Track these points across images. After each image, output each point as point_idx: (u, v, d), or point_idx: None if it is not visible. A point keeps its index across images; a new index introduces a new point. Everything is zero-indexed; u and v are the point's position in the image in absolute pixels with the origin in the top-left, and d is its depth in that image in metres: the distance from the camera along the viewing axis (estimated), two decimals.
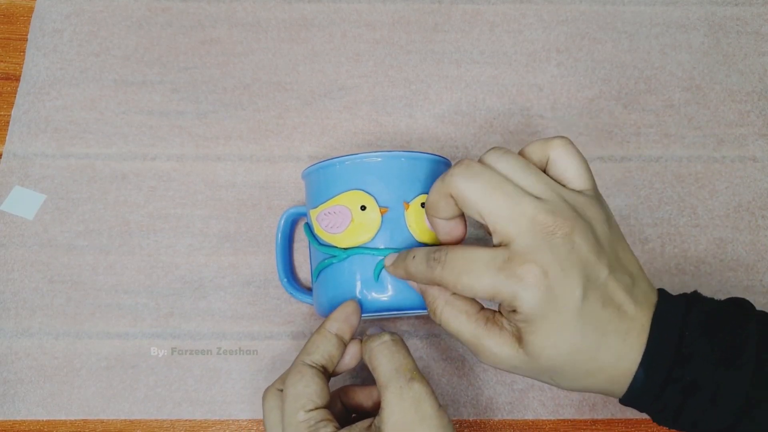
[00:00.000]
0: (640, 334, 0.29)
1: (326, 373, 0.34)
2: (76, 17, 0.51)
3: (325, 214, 0.37)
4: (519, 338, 0.29)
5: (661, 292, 0.31)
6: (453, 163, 0.39)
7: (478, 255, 0.29)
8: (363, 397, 0.37)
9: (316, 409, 0.32)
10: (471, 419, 0.42)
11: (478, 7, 0.52)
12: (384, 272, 0.35)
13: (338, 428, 0.31)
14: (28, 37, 0.51)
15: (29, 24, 0.51)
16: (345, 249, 0.36)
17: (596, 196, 0.31)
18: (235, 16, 0.51)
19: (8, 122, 0.48)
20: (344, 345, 0.35)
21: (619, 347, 0.29)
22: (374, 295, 0.36)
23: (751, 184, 0.47)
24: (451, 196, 0.31)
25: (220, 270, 0.45)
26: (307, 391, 0.32)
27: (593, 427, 0.42)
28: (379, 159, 0.37)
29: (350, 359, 0.35)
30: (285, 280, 0.43)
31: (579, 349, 0.28)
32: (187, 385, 0.42)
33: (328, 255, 0.37)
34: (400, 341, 0.34)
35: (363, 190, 0.36)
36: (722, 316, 0.30)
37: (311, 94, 0.49)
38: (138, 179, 0.47)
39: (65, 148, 0.48)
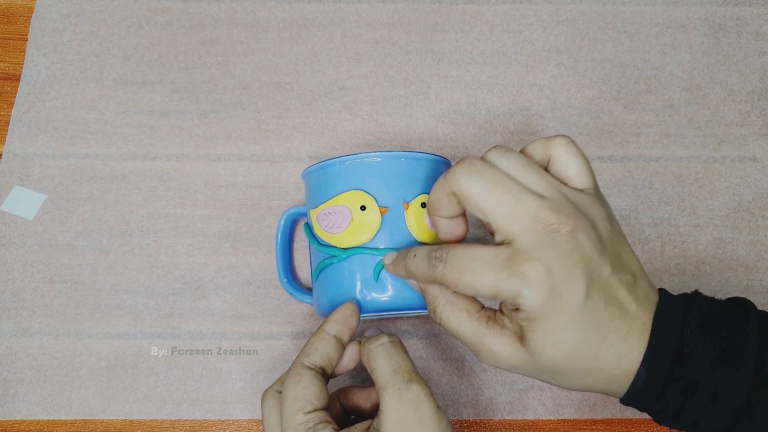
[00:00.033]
0: (642, 334, 0.29)
1: (325, 375, 0.34)
2: (76, 17, 0.51)
3: (325, 214, 0.37)
4: (521, 337, 0.29)
5: (662, 292, 0.31)
6: (453, 163, 0.39)
7: (481, 253, 0.29)
8: (362, 398, 0.36)
9: (315, 411, 0.32)
10: (471, 419, 0.42)
11: (478, 7, 0.52)
12: (384, 272, 0.35)
13: (337, 430, 0.31)
14: (28, 37, 0.51)
15: (29, 24, 0.51)
16: (345, 249, 0.36)
17: (598, 195, 0.31)
18: (235, 16, 0.51)
19: (8, 122, 0.48)
20: (343, 346, 0.35)
21: (621, 346, 0.29)
22: (374, 295, 0.36)
23: (751, 184, 0.47)
24: (454, 194, 0.30)
25: (220, 270, 0.45)
26: (306, 393, 0.32)
27: (593, 427, 0.42)
28: (379, 159, 0.37)
29: (349, 361, 0.35)
30: (285, 280, 0.43)
31: (581, 348, 0.28)
32: (187, 385, 0.42)
33: (328, 255, 0.37)
34: (398, 343, 0.34)
35: (363, 190, 0.36)
36: (723, 316, 0.30)
37: (311, 94, 0.49)
38: (138, 179, 0.47)
39: (65, 148, 0.48)
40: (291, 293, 0.42)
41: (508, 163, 0.30)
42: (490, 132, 0.48)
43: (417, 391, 0.31)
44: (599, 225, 0.29)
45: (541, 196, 0.29)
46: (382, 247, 0.36)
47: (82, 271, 0.45)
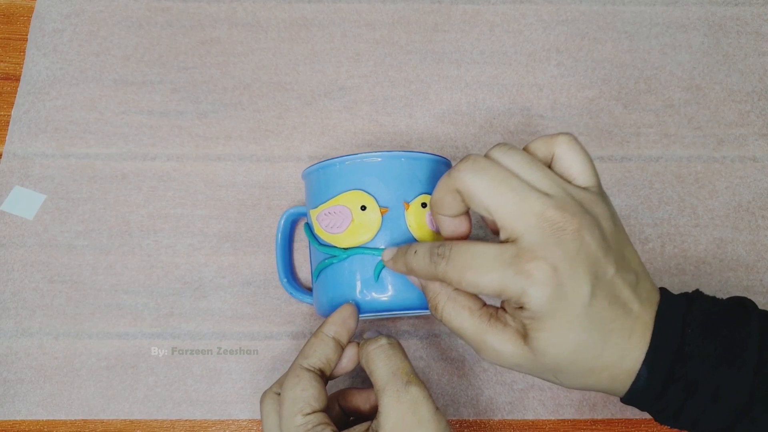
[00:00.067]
0: (644, 333, 0.29)
1: (324, 377, 0.34)
2: (76, 17, 0.51)
3: (325, 214, 0.37)
4: (524, 335, 0.29)
5: (663, 291, 0.31)
6: (453, 163, 0.39)
7: (485, 250, 0.29)
8: (361, 400, 0.36)
9: (314, 412, 0.32)
10: (471, 419, 0.42)
11: (478, 7, 0.52)
12: (384, 272, 0.35)
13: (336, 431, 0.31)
14: (28, 37, 0.51)
15: (29, 24, 0.51)
16: (345, 249, 0.36)
17: (601, 193, 0.31)
18: (235, 16, 0.51)
19: (8, 122, 0.48)
20: (342, 348, 0.35)
21: (623, 346, 0.28)
22: (374, 295, 0.36)
23: (751, 184, 0.47)
24: (458, 192, 0.30)
25: (220, 270, 0.45)
26: (305, 394, 0.32)
27: (593, 427, 0.42)
28: (379, 159, 0.37)
29: (347, 362, 0.35)
30: (285, 280, 0.43)
31: (584, 347, 0.28)
32: (187, 385, 0.42)
33: (328, 255, 0.37)
34: (396, 344, 0.34)
35: (363, 190, 0.36)
36: (724, 315, 0.30)
37: (311, 94, 0.49)
38: (138, 179, 0.47)
39: (65, 148, 0.48)
40: (291, 293, 0.42)
41: (512, 161, 0.30)
42: (490, 132, 0.48)
43: (415, 392, 0.31)
44: (603, 223, 0.29)
45: (546, 194, 0.29)
46: (383, 247, 0.36)
47: (82, 271, 0.45)
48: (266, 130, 0.48)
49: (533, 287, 0.27)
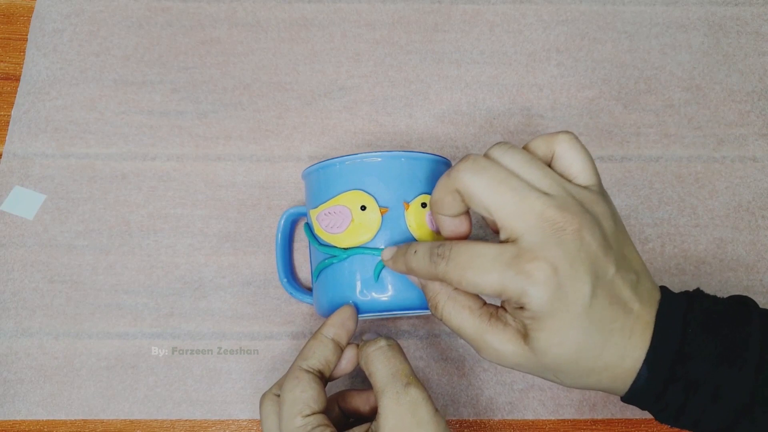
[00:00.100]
0: (645, 332, 0.29)
1: (323, 378, 0.34)
2: (76, 17, 0.51)
3: (325, 214, 0.37)
4: (524, 335, 0.29)
5: (664, 290, 0.31)
6: (453, 163, 0.39)
7: (485, 250, 0.29)
8: (360, 401, 0.36)
9: (313, 414, 0.32)
10: (471, 419, 0.42)
11: (478, 7, 0.52)
12: (384, 272, 0.35)
13: None
14: (28, 37, 0.51)
15: (29, 24, 0.51)
16: (345, 249, 0.36)
17: (601, 192, 0.31)
18: (235, 16, 0.51)
19: (8, 122, 0.48)
20: (341, 350, 0.35)
21: (624, 345, 0.28)
22: (374, 295, 0.36)
23: (751, 184, 0.47)
24: (458, 192, 0.30)
25: (220, 270, 0.45)
26: (304, 396, 0.32)
27: (593, 427, 0.42)
28: (379, 159, 0.37)
29: (347, 364, 0.35)
30: (285, 280, 0.43)
31: (585, 347, 0.28)
32: (187, 385, 0.42)
33: (328, 255, 0.37)
34: (396, 346, 0.34)
35: (363, 190, 0.36)
36: (725, 314, 0.30)
37: (311, 94, 0.49)
38: (138, 179, 0.47)
39: (65, 148, 0.48)
40: (291, 293, 0.42)
41: (512, 160, 0.30)
42: (490, 132, 0.48)
43: (415, 394, 0.31)
44: (604, 223, 0.29)
45: (546, 194, 0.29)
46: (383, 247, 0.36)
47: (82, 271, 0.45)
48: (266, 130, 0.48)
49: (533, 287, 0.27)
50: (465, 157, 0.30)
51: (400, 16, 0.52)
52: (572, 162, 0.31)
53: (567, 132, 0.31)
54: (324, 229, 0.37)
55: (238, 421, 0.42)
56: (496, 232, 0.31)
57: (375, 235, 0.36)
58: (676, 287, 0.44)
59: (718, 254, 0.45)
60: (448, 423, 0.42)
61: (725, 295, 0.32)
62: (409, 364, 0.33)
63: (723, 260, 0.45)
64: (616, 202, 0.46)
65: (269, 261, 0.45)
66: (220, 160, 0.47)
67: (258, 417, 0.42)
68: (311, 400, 0.32)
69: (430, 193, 0.37)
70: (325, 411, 0.33)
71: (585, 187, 0.30)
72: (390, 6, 0.52)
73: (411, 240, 0.36)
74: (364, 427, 0.32)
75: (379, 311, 0.36)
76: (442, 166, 0.38)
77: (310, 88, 0.50)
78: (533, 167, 0.30)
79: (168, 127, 0.48)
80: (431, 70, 0.50)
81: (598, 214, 0.29)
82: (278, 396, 0.33)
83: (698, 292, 0.31)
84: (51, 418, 0.42)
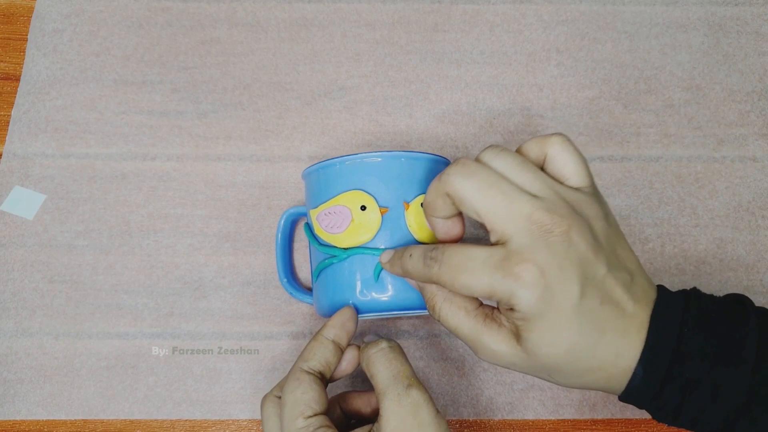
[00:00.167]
0: (639, 332, 0.29)
1: (324, 380, 0.34)
2: (76, 17, 0.51)
3: (325, 214, 0.37)
4: (517, 335, 0.29)
5: (661, 289, 0.31)
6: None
7: (475, 253, 0.29)
8: (362, 403, 0.37)
9: (315, 415, 0.32)
10: (471, 419, 0.42)
11: (478, 7, 0.52)
12: (384, 272, 0.36)
13: None
14: (28, 37, 0.51)
15: (29, 24, 0.51)
16: (345, 249, 0.36)
17: (594, 193, 0.31)
18: (235, 16, 0.51)
19: (8, 122, 0.48)
20: (341, 351, 0.35)
21: (618, 345, 0.29)
22: (374, 295, 0.36)
23: (751, 184, 0.47)
24: (448, 195, 0.31)
25: (220, 270, 0.45)
26: (305, 397, 0.32)
27: (593, 427, 0.42)
28: (379, 159, 0.37)
29: (347, 365, 0.35)
30: (285, 280, 0.43)
31: (577, 346, 0.28)
32: (187, 385, 0.42)
33: (329, 255, 0.37)
34: (397, 348, 0.34)
35: (363, 190, 0.36)
36: (722, 313, 0.30)
37: (311, 94, 0.49)
38: (138, 179, 0.47)
39: (65, 148, 0.48)
40: (291, 293, 0.42)
41: (503, 163, 0.30)
42: (490, 132, 0.48)
43: (416, 396, 0.31)
44: (595, 224, 0.30)
45: (535, 197, 0.29)
46: (383, 247, 0.36)
47: (82, 271, 0.45)
48: (266, 130, 0.48)
49: (522, 290, 0.28)
50: (455, 161, 0.31)
51: (400, 16, 0.52)
52: (565, 164, 0.31)
53: (559, 134, 0.31)
54: (324, 229, 0.37)
55: (238, 421, 0.42)
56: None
57: (375, 235, 0.36)
58: (676, 287, 0.44)
59: (718, 254, 0.45)
60: (448, 423, 0.42)
61: (724, 295, 0.32)
62: (410, 365, 0.33)
63: (723, 260, 0.45)
64: (616, 202, 0.46)
65: (269, 261, 0.45)
66: (220, 160, 0.47)
67: (258, 417, 0.42)
68: (313, 402, 0.32)
69: None
70: (327, 412, 0.33)
71: (577, 189, 0.31)
72: (390, 6, 0.52)
73: (411, 240, 0.36)
74: (366, 428, 0.32)
75: (379, 311, 0.36)
76: (442, 166, 0.38)
77: (310, 88, 0.50)
78: (523, 170, 0.30)
79: (168, 127, 0.48)
80: (431, 70, 0.50)
81: (589, 216, 0.30)
82: (279, 398, 0.34)
83: (695, 291, 0.31)
84: (51, 418, 0.42)
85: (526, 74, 0.50)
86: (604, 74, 0.50)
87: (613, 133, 0.48)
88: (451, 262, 0.30)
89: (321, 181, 0.38)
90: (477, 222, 0.46)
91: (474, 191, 0.29)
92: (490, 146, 0.31)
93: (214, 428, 0.42)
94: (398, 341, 0.38)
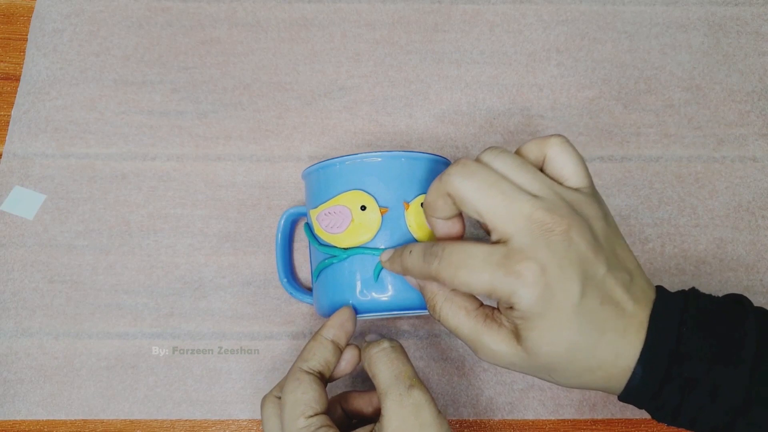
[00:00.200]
0: (639, 332, 0.29)
1: (323, 379, 0.34)
2: (76, 17, 0.51)
3: (325, 214, 0.37)
4: (517, 335, 0.29)
5: (660, 289, 0.31)
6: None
7: (476, 250, 0.29)
8: (363, 403, 0.37)
9: (316, 415, 0.32)
10: (471, 419, 0.42)
11: (478, 7, 0.52)
12: (384, 272, 0.36)
13: None
14: (28, 37, 0.51)
15: (29, 24, 0.51)
16: (345, 249, 0.36)
17: (593, 194, 0.31)
18: (235, 16, 0.51)
19: (8, 122, 0.48)
20: (340, 351, 0.35)
21: (617, 344, 0.29)
22: (374, 295, 0.36)
23: (751, 184, 0.47)
24: (449, 195, 0.31)
25: (220, 270, 0.45)
26: (306, 397, 0.32)
27: (593, 427, 0.42)
28: (379, 159, 0.37)
29: (346, 365, 0.35)
30: (285, 280, 0.43)
31: (577, 346, 0.28)
32: (187, 385, 0.42)
33: (329, 255, 0.37)
34: (399, 348, 0.34)
35: (363, 190, 0.36)
36: (720, 313, 0.30)
37: (311, 94, 0.49)
38: (138, 179, 0.47)
39: (65, 148, 0.48)
40: (291, 293, 0.42)
41: (503, 164, 0.30)
42: (490, 132, 0.48)
43: (418, 396, 0.31)
44: (594, 224, 0.30)
45: (536, 196, 0.29)
46: (383, 247, 0.36)
47: (82, 271, 0.45)
48: (266, 130, 0.48)
49: (522, 288, 0.28)
50: (455, 162, 0.31)
51: (400, 16, 0.52)
52: (564, 165, 0.31)
53: (558, 135, 0.32)
54: (324, 229, 0.37)
55: (238, 421, 0.42)
56: (489, 233, 0.31)
57: (375, 235, 0.36)
58: (675, 287, 0.44)
59: (718, 254, 0.45)
60: (449, 423, 0.42)
61: (723, 295, 0.32)
62: (412, 366, 0.33)
63: (723, 260, 0.45)
64: (616, 202, 0.46)
65: (269, 261, 0.45)
66: (220, 160, 0.47)
67: (258, 417, 0.42)
68: (313, 401, 0.32)
69: None
70: (327, 412, 0.33)
71: (576, 190, 0.31)
72: (390, 6, 0.52)
73: (411, 240, 0.36)
74: (368, 428, 0.32)
75: (379, 311, 0.36)
76: (442, 166, 0.38)
77: (310, 88, 0.50)
78: (523, 170, 0.30)
79: (168, 127, 0.48)
80: (431, 70, 0.50)
81: (589, 216, 0.30)
82: (279, 398, 0.34)
83: (694, 291, 0.31)
84: (51, 418, 0.42)
85: (526, 74, 0.50)
86: (604, 74, 0.50)
87: (613, 133, 0.48)
88: (452, 258, 0.30)
89: (321, 181, 0.38)
90: (476, 223, 0.46)
91: (475, 191, 0.29)
92: (489, 147, 0.31)
93: (214, 428, 0.42)
94: (399, 341, 0.38)
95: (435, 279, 0.31)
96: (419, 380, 0.32)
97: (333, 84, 0.50)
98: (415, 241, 0.36)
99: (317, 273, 0.38)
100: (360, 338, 0.43)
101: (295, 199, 0.46)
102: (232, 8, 0.52)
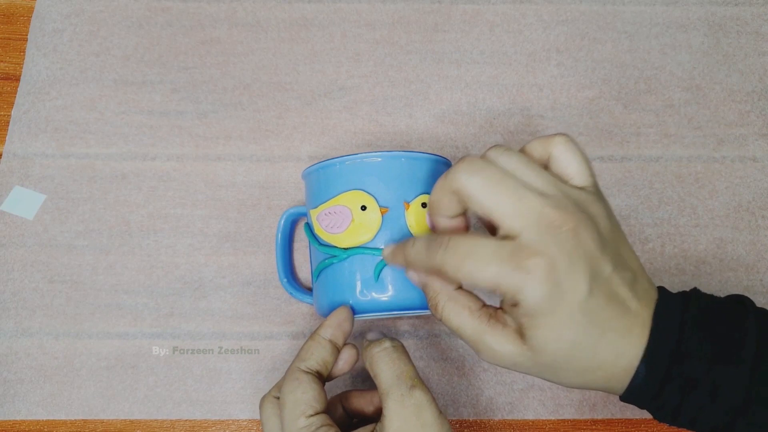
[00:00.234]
0: (642, 331, 0.29)
1: (321, 379, 0.34)
2: (76, 17, 0.51)
3: (325, 214, 0.37)
4: (521, 334, 0.29)
5: (661, 290, 0.31)
6: (453, 163, 0.39)
7: (484, 243, 0.29)
8: (364, 402, 0.37)
9: (317, 414, 0.32)
10: (471, 419, 0.42)
11: (478, 7, 0.52)
12: (384, 272, 0.35)
13: None
14: (28, 37, 0.51)
15: (29, 24, 0.51)
16: (345, 249, 0.36)
17: (597, 193, 0.31)
18: (235, 16, 0.51)
19: (8, 122, 0.48)
20: (338, 350, 0.35)
21: (619, 344, 0.29)
22: (374, 295, 0.36)
23: (751, 184, 0.47)
24: (455, 193, 0.30)
25: (220, 270, 0.45)
26: (306, 397, 0.32)
27: (593, 427, 0.42)
28: (380, 159, 0.37)
29: (344, 364, 0.35)
30: (285, 280, 0.43)
31: (581, 344, 0.28)
32: (187, 385, 0.42)
33: (329, 255, 0.37)
34: (401, 347, 0.34)
35: (363, 190, 0.36)
36: (720, 313, 0.30)
37: (311, 94, 0.49)
38: (138, 179, 0.47)
39: (65, 148, 0.48)
40: (291, 293, 0.42)
41: (509, 161, 0.30)
42: (490, 132, 0.48)
43: (419, 397, 0.31)
44: (600, 222, 0.30)
45: (543, 194, 0.29)
46: (383, 247, 0.36)
47: (82, 271, 0.45)
48: (266, 130, 0.48)
49: (531, 284, 0.27)
50: (462, 159, 0.31)
51: (400, 16, 0.52)
52: (568, 164, 0.31)
53: (563, 134, 0.32)
54: (324, 229, 0.37)
55: (238, 421, 0.42)
56: (493, 233, 0.31)
57: (375, 235, 0.36)
58: (675, 287, 0.44)
59: (718, 254, 0.45)
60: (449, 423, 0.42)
61: (725, 296, 0.32)
62: (413, 365, 0.33)
63: (723, 260, 0.45)
64: (616, 202, 0.46)
65: (269, 261, 0.45)
66: (220, 160, 0.47)
67: (258, 417, 0.42)
68: (313, 401, 0.32)
69: (430, 193, 0.37)
70: (327, 411, 0.33)
71: (581, 188, 0.31)
72: (390, 6, 0.52)
73: None
74: (369, 428, 0.32)
75: (380, 311, 0.36)
76: (442, 166, 0.38)
77: (310, 88, 0.50)
78: (529, 169, 0.30)
79: (168, 127, 0.48)
80: (431, 70, 0.50)
81: (594, 214, 0.30)
82: (277, 398, 0.34)
83: (695, 291, 0.31)
84: (51, 418, 0.42)
85: (526, 74, 0.50)
86: (604, 74, 0.50)
87: (613, 133, 0.48)
88: (458, 248, 0.29)
89: (321, 181, 0.38)
90: (479, 224, 0.46)
91: (482, 188, 0.29)
92: (495, 145, 0.31)
93: (214, 428, 0.42)
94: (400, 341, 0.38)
95: (439, 270, 0.30)
96: (421, 380, 0.32)
97: (333, 84, 0.50)
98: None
99: (317, 273, 0.38)
100: (359, 338, 0.43)
101: (295, 199, 0.46)
102: (232, 8, 0.52)
